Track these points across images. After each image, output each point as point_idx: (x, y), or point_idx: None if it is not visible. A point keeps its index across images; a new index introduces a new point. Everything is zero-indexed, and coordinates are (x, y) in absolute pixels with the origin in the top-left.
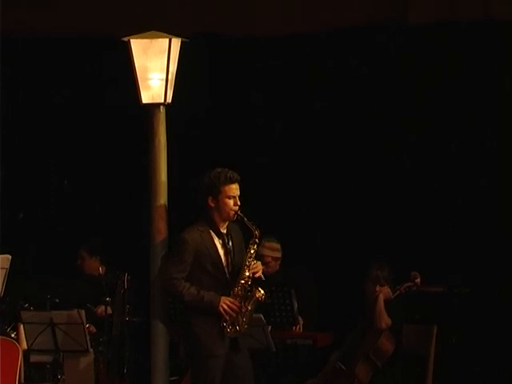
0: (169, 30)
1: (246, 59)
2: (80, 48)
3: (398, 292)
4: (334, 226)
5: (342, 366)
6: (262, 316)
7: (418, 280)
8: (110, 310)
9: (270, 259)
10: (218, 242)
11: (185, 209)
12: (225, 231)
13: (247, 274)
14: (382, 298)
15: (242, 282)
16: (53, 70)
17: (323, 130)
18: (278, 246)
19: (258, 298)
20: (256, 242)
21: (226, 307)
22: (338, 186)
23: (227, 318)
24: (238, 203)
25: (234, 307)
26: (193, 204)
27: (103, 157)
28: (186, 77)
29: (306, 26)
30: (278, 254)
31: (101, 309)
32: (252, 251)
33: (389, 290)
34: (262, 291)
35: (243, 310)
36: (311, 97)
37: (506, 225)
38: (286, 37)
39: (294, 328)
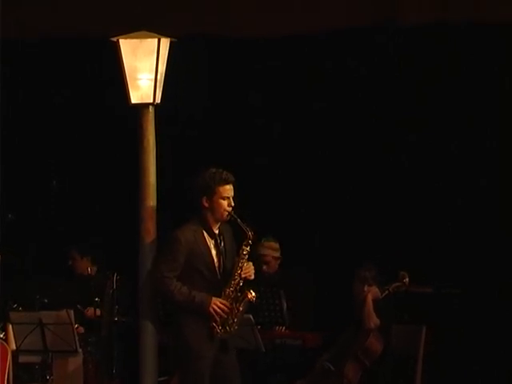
0: (167, 31)
1: (245, 60)
2: (80, 48)
3: (386, 292)
4: (333, 227)
5: (331, 367)
6: (251, 316)
7: (407, 280)
8: (98, 312)
9: (270, 258)
10: (210, 243)
11: (179, 209)
12: (217, 232)
13: (239, 274)
14: (370, 297)
15: (234, 283)
16: (52, 71)
17: (322, 131)
18: (277, 245)
19: (249, 300)
20: (249, 244)
21: (216, 308)
22: (337, 186)
23: (217, 318)
24: (232, 204)
25: (225, 308)
26: (187, 204)
27: (101, 157)
28: (184, 77)
29: (305, 27)
30: (278, 254)
31: (90, 310)
32: (245, 252)
33: (377, 289)
34: (254, 293)
35: (234, 311)
36: (310, 97)
37: (505, 225)
38: (285, 38)
39: (278, 328)
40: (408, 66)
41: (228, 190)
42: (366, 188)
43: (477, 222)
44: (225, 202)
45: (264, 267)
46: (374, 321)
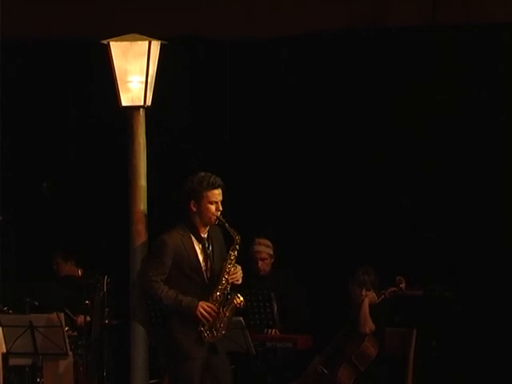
0: (159, 34)
1: (242, 61)
2: (71, 50)
3: (382, 296)
4: (325, 229)
5: (325, 370)
6: (241, 319)
7: (403, 285)
8: (88, 318)
9: (266, 255)
10: (197, 247)
11: (169, 212)
12: (205, 235)
13: (227, 279)
14: (367, 302)
15: (221, 287)
16: (43, 73)
17: (320, 132)
18: (270, 243)
19: (236, 305)
20: (236, 248)
21: (203, 311)
22: (332, 189)
23: (205, 322)
24: (220, 208)
25: (211, 312)
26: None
27: (93, 159)
28: (177, 80)
29: (304, 28)
30: (272, 251)
31: (80, 318)
32: (232, 257)
33: (374, 294)
34: (241, 298)
35: (221, 316)
36: (307, 98)
37: (502, 226)
38: (284, 38)
39: (270, 331)
40: (407, 66)
41: (216, 194)
42: (361, 190)
43: (472, 224)
44: (213, 207)
45: (260, 264)
46: (369, 326)
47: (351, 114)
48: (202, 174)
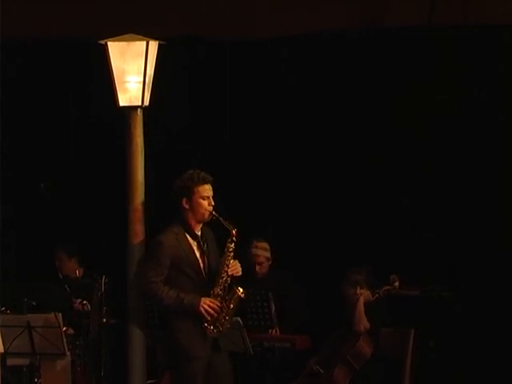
0: (159, 34)
1: (241, 61)
2: (68, 50)
3: (376, 295)
4: (323, 229)
5: (321, 370)
6: (239, 319)
7: (397, 283)
8: (86, 307)
9: (263, 259)
10: (193, 244)
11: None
12: (199, 233)
13: (226, 272)
14: (362, 301)
15: (222, 281)
16: (40, 73)
17: (312, 136)
18: (268, 245)
19: (238, 296)
20: (233, 241)
21: (206, 307)
22: (328, 189)
23: (208, 318)
24: (212, 203)
25: (215, 307)
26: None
27: (90, 159)
28: (176, 80)
29: (304, 28)
30: (269, 254)
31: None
32: (230, 250)
33: (368, 293)
34: (242, 289)
35: (224, 310)
36: (302, 99)
37: (501, 227)
38: (283, 38)
39: (271, 331)
40: (407, 66)
41: (207, 189)
42: (361, 190)
43: (472, 224)
44: (205, 202)
45: (257, 268)
46: (364, 324)
47: (351, 114)
48: (191, 171)
